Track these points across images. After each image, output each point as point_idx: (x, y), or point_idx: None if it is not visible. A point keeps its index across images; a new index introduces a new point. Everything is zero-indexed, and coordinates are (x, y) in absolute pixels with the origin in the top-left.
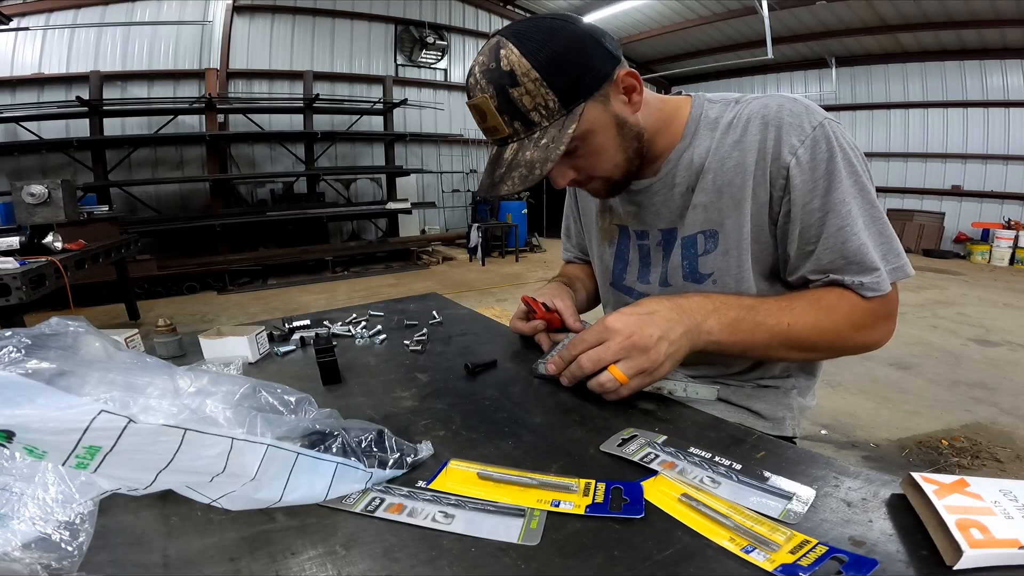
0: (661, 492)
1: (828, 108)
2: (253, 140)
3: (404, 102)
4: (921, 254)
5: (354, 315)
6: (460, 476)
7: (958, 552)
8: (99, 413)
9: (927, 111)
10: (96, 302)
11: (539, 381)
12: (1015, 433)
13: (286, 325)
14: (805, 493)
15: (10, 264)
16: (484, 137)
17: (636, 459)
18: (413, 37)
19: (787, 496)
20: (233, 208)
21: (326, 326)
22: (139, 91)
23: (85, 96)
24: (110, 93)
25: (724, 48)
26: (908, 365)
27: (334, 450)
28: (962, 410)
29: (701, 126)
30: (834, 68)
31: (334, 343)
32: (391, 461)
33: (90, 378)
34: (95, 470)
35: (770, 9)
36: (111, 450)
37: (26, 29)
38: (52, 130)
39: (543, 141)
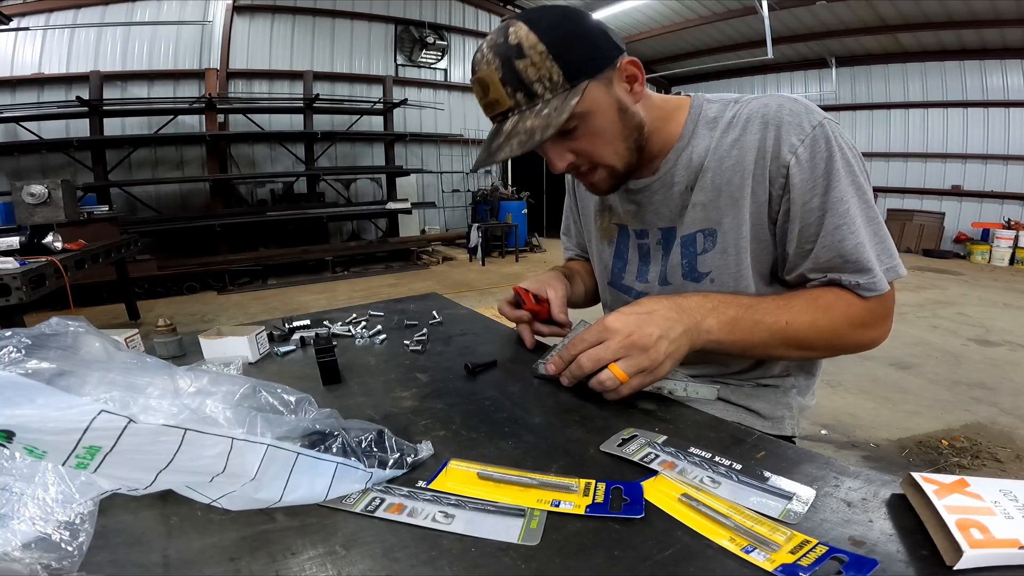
0: (661, 492)
1: (828, 108)
2: (253, 140)
3: (404, 102)
4: (921, 254)
5: (354, 315)
6: (460, 476)
7: (958, 552)
8: (99, 413)
9: (927, 111)
10: (96, 302)
11: (539, 381)
12: (1015, 433)
13: (286, 325)
14: (805, 493)
15: (10, 264)
16: (483, 137)
17: (636, 459)
18: (413, 37)
19: (787, 496)
20: (233, 208)
21: (326, 326)
22: (139, 91)
23: (85, 96)
24: (110, 93)
25: (724, 48)
26: (908, 365)
27: (334, 450)
28: (962, 410)
29: (700, 125)
30: (834, 68)
31: (334, 343)
32: (391, 461)
33: (90, 378)
34: (95, 470)
35: (770, 9)
36: (111, 450)
37: (26, 29)
38: (52, 130)
39: (544, 112)
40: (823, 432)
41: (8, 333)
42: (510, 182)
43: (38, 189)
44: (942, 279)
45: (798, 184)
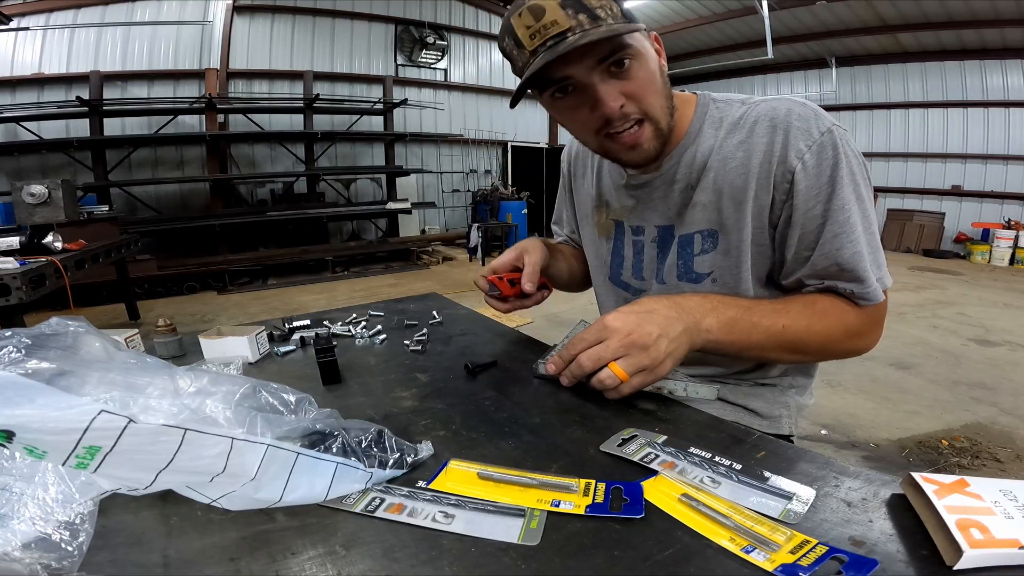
0: (661, 492)
1: (828, 108)
2: (253, 140)
3: (404, 102)
4: (921, 254)
5: (354, 315)
6: (460, 476)
7: (958, 552)
8: (99, 413)
9: (927, 111)
10: (96, 302)
11: (539, 381)
12: (1015, 433)
13: (286, 325)
14: (805, 493)
15: (10, 264)
16: (483, 137)
17: (636, 459)
18: (413, 37)
19: (787, 496)
20: (233, 208)
21: (326, 326)
22: (139, 91)
23: (85, 96)
24: (110, 93)
25: (724, 48)
26: (908, 365)
27: (334, 450)
28: (962, 410)
29: (706, 124)
30: (834, 68)
31: (334, 343)
32: (391, 461)
33: (90, 378)
34: (95, 470)
35: (770, 9)
36: (111, 450)
37: (26, 29)
38: (52, 130)
39: (615, 26)
40: (823, 432)
41: (8, 333)
42: (510, 182)
43: (38, 189)
44: (942, 279)
45: (803, 190)
